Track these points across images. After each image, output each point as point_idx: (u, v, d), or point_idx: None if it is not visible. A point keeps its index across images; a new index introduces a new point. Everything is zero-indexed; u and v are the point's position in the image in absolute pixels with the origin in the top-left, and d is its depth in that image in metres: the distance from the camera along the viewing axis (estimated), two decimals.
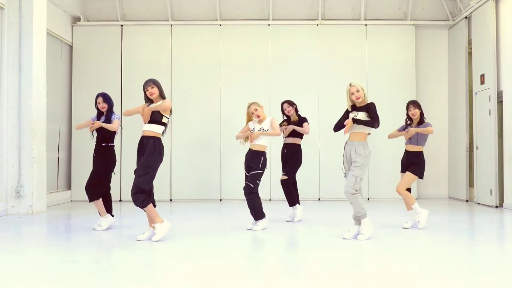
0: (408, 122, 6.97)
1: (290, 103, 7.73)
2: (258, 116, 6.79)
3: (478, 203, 10.06)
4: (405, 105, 7.03)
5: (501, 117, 9.44)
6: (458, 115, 11.10)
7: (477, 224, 7.83)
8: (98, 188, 6.79)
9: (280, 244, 6.16)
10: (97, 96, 6.88)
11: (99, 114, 6.91)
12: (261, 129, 6.79)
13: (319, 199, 10.97)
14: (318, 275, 4.37)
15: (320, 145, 11.03)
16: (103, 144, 6.83)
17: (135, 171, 5.87)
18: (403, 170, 6.94)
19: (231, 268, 4.67)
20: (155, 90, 5.99)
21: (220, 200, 11.03)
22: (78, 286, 3.98)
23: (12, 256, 5.24)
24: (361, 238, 5.94)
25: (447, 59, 11.61)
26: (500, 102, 9.52)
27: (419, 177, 6.85)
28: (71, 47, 11.29)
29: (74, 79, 11.28)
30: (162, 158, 5.90)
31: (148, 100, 6.07)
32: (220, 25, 11.35)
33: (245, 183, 6.82)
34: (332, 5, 11.53)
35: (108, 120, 6.79)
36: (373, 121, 5.92)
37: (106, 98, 6.85)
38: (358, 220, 6.10)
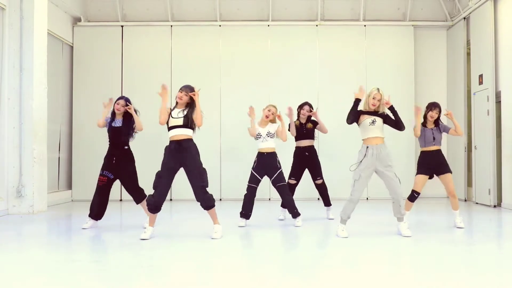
0: (422, 121, 6.93)
1: (312, 107, 7.80)
2: (267, 117, 7.05)
3: (477, 203, 10.10)
4: (428, 103, 7.00)
5: (500, 117, 9.49)
6: (457, 115, 11.12)
7: (476, 223, 7.87)
8: (138, 190, 6.88)
9: (280, 244, 6.21)
10: (121, 97, 6.84)
11: (113, 116, 6.86)
12: (269, 132, 7.02)
13: (318, 199, 11.01)
14: (317, 274, 4.42)
15: (319, 145, 11.07)
16: (126, 148, 6.80)
17: (161, 175, 5.97)
18: (428, 172, 6.84)
19: (231, 268, 4.71)
20: (185, 98, 6.02)
21: (220, 199, 11.07)
22: (78, 286, 4.02)
23: (12, 255, 5.28)
24: (407, 233, 6.17)
25: (445, 59, 11.66)
26: (498, 102, 9.56)
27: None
28: (71, 47, 11.34)
29: (74, 80, 11.33)
30: None
31: (175, 103, 6.15)
32: (220, 25, 11.40)
33: (279, 185, 6.99)
34: (331, 6, 11.58)
35: (126, 125, 6.76)
36: (401, 122, 6.16)
37: (128, 103, 6.81)
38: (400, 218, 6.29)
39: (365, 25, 11.39)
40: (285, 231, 6.88)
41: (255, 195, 7.15)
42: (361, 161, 6.03)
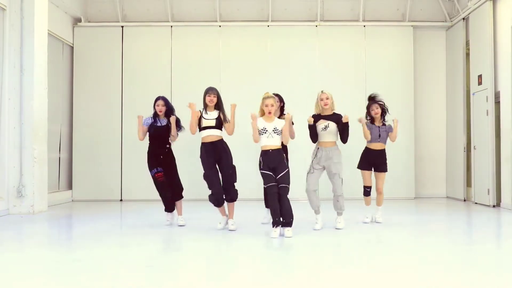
0: (368, 118, 7.26)
1: (281, 98, 7.07)
2: (270, 113, 6.24)
3: (476, 203, 10.12)
4: (367, 101, 7.34)
5: (499, 117, 9.50)
6: (456, 115, 11.16)
7: (475, 223, 7.89)
8: (179, 185, 7.17)
9: (279, 244, 6.22)
10: (158, 98, 7.11)
11: (155, 116, 7.08)
12: (275, 128, 6.24)
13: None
14: (317, 274, 4.43)
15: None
16: (168, 146, 7.08)
17: (208, 175, 6.53)
18: (369, 168, 7.28)
19: (231, 268, 4.73)
20: (215, 100, 6.61)
21: None
22: (79, 285, 4.04)
23: (13, 255, 5.30)
24: (340, 226, 6.79)
25: (445, 60, 11.67)
26: (497, 103, 9.58)
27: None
28: (72, 48, 11.36)
29: (75, 80, 11.34)
30: None
31: (204, 106, 6.65)
32: (220, 26, 11.42)
33: (282, 186, 6.18)
34: (331, 6, 11.59)
35: (168, 123, 7.06)
36: (344, 137, 6.69)
37: (166, 101, 7.11)
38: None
39: (364, 26, 11.41)
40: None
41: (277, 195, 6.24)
42: (312, 161, 6.72)
